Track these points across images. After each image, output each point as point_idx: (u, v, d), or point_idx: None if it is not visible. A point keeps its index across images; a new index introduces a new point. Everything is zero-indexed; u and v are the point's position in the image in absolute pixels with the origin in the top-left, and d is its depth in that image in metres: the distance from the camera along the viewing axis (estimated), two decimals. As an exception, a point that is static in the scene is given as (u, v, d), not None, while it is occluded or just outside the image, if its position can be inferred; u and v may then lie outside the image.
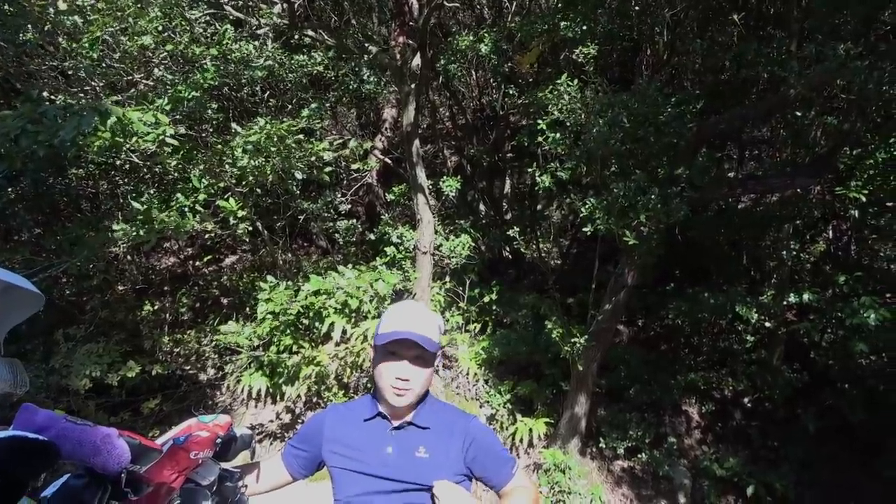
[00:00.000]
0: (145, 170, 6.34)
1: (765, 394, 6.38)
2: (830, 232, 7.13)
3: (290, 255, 7.71)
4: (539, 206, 8.71)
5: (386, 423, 2.01)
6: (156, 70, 5.78)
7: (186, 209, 5.58)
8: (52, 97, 5.25)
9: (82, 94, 5.71)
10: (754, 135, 6.99)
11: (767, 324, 6.29)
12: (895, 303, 5.31)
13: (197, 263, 7.88)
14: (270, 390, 6.18)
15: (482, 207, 8.44)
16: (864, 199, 4.98)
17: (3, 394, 1.72)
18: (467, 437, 2.00)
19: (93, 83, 5.62)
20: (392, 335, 1.91)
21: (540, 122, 5.29)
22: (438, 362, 2.09)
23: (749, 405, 6.50)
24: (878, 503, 5.79)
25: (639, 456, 6.16)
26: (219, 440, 2.04)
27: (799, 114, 5.61)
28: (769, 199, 7.08)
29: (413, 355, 1.94)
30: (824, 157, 5.34)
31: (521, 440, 5.91)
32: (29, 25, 5.01)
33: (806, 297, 6.04)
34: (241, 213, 5.76)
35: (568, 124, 5.13)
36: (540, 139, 5.24)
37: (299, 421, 6.22)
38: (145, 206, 5.51)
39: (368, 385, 5.97)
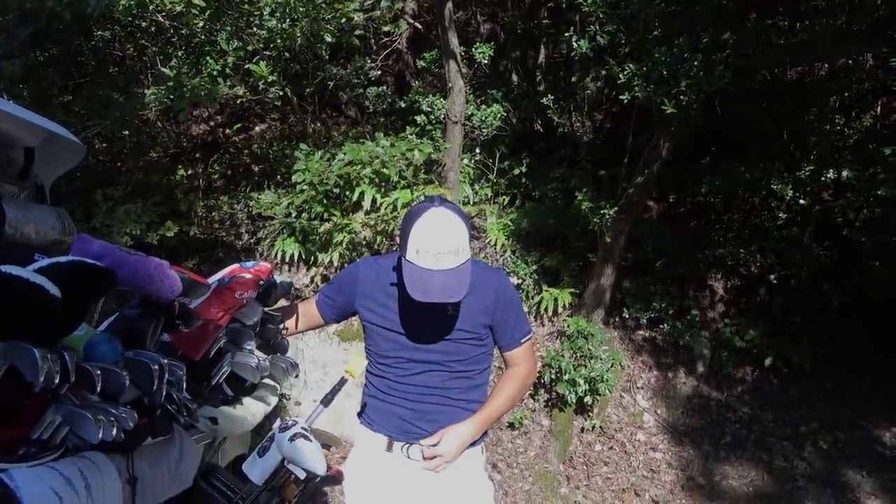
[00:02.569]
0: (172, 31, 6.21)
1: (792, 271, 6.39)
2: (878, 108, 6.83)
3: (319, 124, 7.65)
4: (574, 78, 8.40)
5: None
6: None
7: (217, 73, 5.51)
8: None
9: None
10: (809, 3, 6.54)
11: (802, 201, 6.18)
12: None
13: (227, 131, 7.87)
14: (304, 256, 6.36)
15: (515, 78, 8.18)
16: (919, 69, 4.74)
17: (54, 240, 1.79)
18: (500, 293, 2.08)
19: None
20: (426, 293, 1.92)
21: (580, -18, 5.01)
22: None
23: (775, 282, 6.52)
24: (891, 377, 5.93)
25: (661, 326, 6.30)
26: (261, 282, 2.13)
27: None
28: (818, 71, 6.75)
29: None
30: (882, 25, 5.02)
31: (545, 309, 6.06)
32: None
33: (845, 173, 5.89)
34: (271, 78, 5.67)
35: (610, -16, 4.84)
36: (579, 0, 4.98)
37: (333, 285, 6.41)
38: (174, 72, 5.44)
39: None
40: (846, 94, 6.26)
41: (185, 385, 1.74)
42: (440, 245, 1.91)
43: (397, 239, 6.20)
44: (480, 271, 2.10)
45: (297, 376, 2.56)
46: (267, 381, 2.39)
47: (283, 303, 2.41)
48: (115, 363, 1.54)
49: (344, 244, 5.95)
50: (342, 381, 2.02)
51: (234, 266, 2.18)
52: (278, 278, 2.43)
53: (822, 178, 6.15)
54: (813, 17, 6.21)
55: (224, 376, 2.08)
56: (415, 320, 2.02)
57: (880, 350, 6.02)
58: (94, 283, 1.46)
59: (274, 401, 2.40)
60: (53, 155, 2.14)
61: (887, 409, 5.94)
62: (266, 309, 2.30)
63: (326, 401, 2.08)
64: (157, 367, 1.55)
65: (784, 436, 5.77)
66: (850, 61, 6.31)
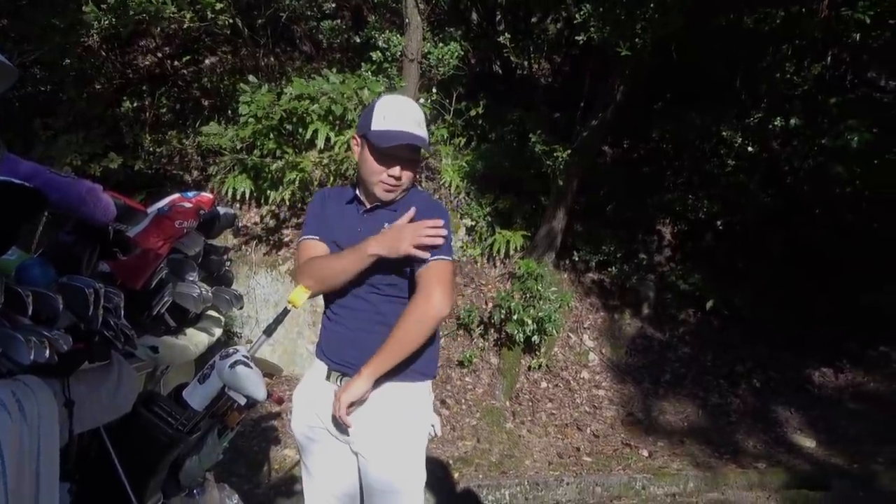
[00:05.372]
0: (114, -48, 5.87)
1: (737, 217, 6.57)
2: (829, 58, 6.94)
3: (272, 58, 7.42)
4: (534, 19, 8.30)
5: (360, 206, 2.08)
6: None
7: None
8: None
9: None
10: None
11: (750, 148, 6.33)
12: (880, 131, 5.32)
13: (175, 63, 7.57)
14: (255, 194, 6.26)
15: (474, 16, 8.03)
16: (868, 20, 4.82)
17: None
18: (426, 211, 2.01)
19: None
20: (394, 138, 1.91)
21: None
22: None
23: (721, 227, 6.71)
24: (827, 321, 6.22)
25: (609, 269, 6.46)
26: (202, 212, 2.11)
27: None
28: (773, 19, 6.80)
29: (408, 157, 1.97)
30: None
31: (498, 251, 6.14)
32: None
33: (793, 121, 6.03)
34: (219, 6, 5.46)
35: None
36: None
37: (284, 226, 6.36)
38: (117, -11, 5.19)
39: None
40: (798, 43, 6.35)
41: (122, 312, 1.73)
42: (405, 110, 1.99)
43: (352, 178, 6.18)
44: (416, 194, 2.12)
45: (241, 308, 2.55)
46: (211, 312, 2.39)
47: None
48: (48, 288, 1.51)
49: (296, 182, 5.87)
50: (285, 312, 2.03)
51: (175, 196, 2.15)
52: (222, 209, 2.41)
53: (771, 126, 6.28)
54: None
55: (165, 306, 2.07)
56: (356, 238, 2.01)
57: (818, 294, 6.29)
58: (23, 203, 1.41)
59: (218, 332, 2.40)
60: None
61: (819, 352, 6.27)
62: (209, 241, 2.29)
63: (269, 330, 2.09)
64: (91, 291, 1.53)
65: (721, 374, 6.06)
66: (803, 9, 6.37)
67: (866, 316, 5.96)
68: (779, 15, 6.66)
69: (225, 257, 2.40)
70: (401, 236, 1.90)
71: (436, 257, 1.90)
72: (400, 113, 1.97)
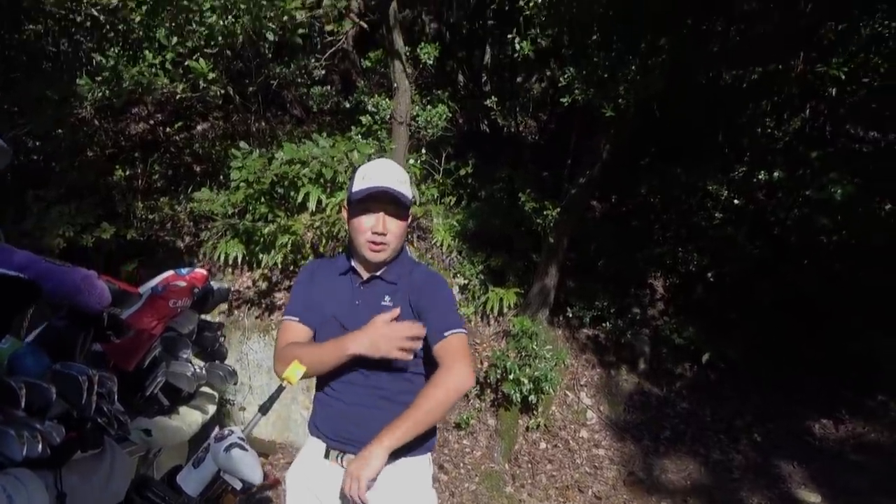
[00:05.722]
0: (108, 27, 6.01)
1: (726, 269, 6.62)
2: (807, 111, 7.13)
3: (263, 123, 7.53)
4: (519, 79, 8.51)
5: (356, 278, 2.07)
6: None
7: (156, 67, 5.38)
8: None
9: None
10: (741, 7, 6.78)
11: (736, 201, 6.42)
12: (862, 182, 5.42)
13: (168, 130, 7.67)
14: (247, 258, 6.26)
15: (461, 78, 8.24)
16: (843, 76, 4.98)
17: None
18: (427, 282, 2.04)
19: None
20: (367, 189, 1.93)
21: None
22: (411, 219, 2.11)
23: (711, 279, 6.74)
24: (819, 370, 6.21)
25: (603, 325, 6.45)
26: (196, 290, 2.11)
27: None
28: (750, 75, 7.01)
29: (388, 209, 1.96)
30: (809, 31, 5.25)
31: (491, 309, 6.13)
32: None
33: (776, 174, 6.14)
34: (211, 76, 5.57)
35: (551, -12, 4.93)
36: (521, 3, 5.04)
37: (276, 288, 6.34)
38: (111, 63, 5.29)
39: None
40: (776, 99, 6.52)
41: (116, 397, 1.71)
42: (384, 170, 2.01)
43: (343, 240, 6.20)
44: (413, 266, 2.13)
45: (236, 384, 2.52)
46: (205, 389, 2.36)
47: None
48: (41, 376, 1.50)
49: (288, 246, 5.88)
50: (280, 389, 2.00)
51: (169, 273, 2.15)
52: (216, 284, 2.41)
53: (755, 179, 6.38)
54: (746, 22, 6.44)
55: (159, 387, 2.05)
56: (355, 313, 1.99)
57: (809, 343, 6.29)
58: (17, 295, 1.42)
59: (212, 409, 2.37)
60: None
61: (815, 401, 6.23)
62: (203, 316, 2.28)
63: (264, 409, 2.06)
64: (85, 378, 1.52)
65: (720, 429, 5.99)
66: (780, 66, 6.57)
67: (860, 363, 5.97)
68: (756, 71, 6.87)
69: (219, 333, 2.38)
70: (381, 336, 1.88)
71: (451, 331, 1.92)
72: (379, 172, 1.99)
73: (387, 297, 2.00)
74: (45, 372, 1.53)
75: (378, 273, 2.05)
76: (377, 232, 1.95)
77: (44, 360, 1.54)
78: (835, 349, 6.06)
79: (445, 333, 1.91)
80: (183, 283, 2.04)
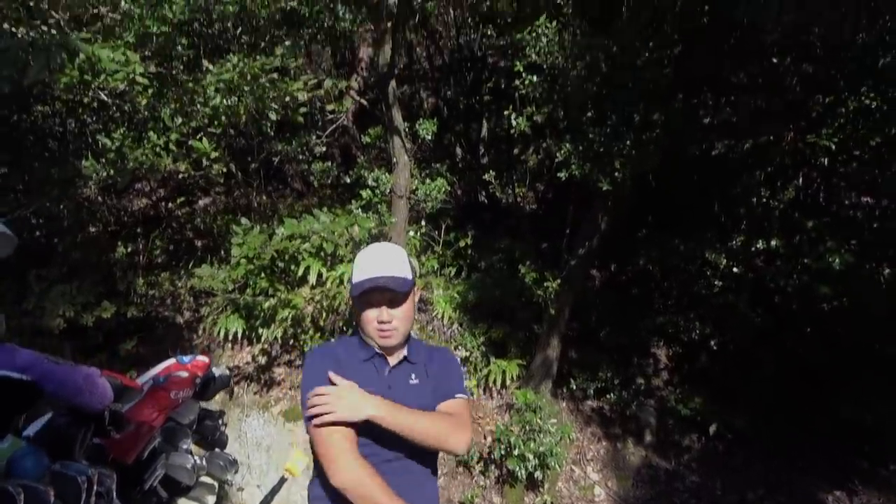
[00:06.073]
0: (114, 108, 6.17)
1: (729, 337, 6.58)
2: (801, 180, 7.23)
3: (264, 197, 7.63)
4: (515, 151, 8.68)
5: (383, 363, 2.05)
6: (122, 2, 5.56)
7: (159, 148, 5.49)
8: (14, 30, 5.04)
9: (45, 28, 5.49)
10: (731, 81, 6.99)
11: (735, 269, 6.42)
12: (859, 249, 5.46)
13: (170, 205, 7.76)
14: (247, 333, 6.22)
15: (458, 151, 8.40)
16: (833, 146, 5.07)
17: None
18: (441, 358, 2.15)
19: (56, 16, 5.40)
20: (362, 285, 1.95)
21: (517, 63, 5.24)
22: (416, 295, 2.11)
23: (715, 348, 6.69)
24: (828, 438, 6.09)
25: (608, 396, 6.36)
26: (198, 380, 2.09)
27: (775, 60, 5.63)
28: (742, 146, 7.14)
29: (388, 299, 1.98)
30: (798, 104, 5.39)
31: (494, 381, 6.06)
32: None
33: (774, 243, 6.17)
34: (214, 155, 5.68)
35: (545, 67, 5.09)
36: (517, 82, 5.20)
37: (276, 363, 6.29)
38: (116, 144, 5.40)
39: (344, 328, 6.03)
40: (769, 168, 6.63)
41: (115, 494, 1.67)
42: (376, 256, 2.01)
43: (344, 313, 6.19)
44: (429, 349, 2.16)
45: (236, 472, 2.46)
46: (204, 479, 2.31)
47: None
48: (40, 478, 1.47)
49: (289, 320, 5.86)
50: (281, 481, 1.95)
51: (171, 362, 2.14)
52: (217, 371, 2.39)
53: (753, 248, 6.41)
54: (736, 95, 6.61)
55: (158, 479, 2.00)
56: (393, 400, 1.95)
57: (816, 412, 6.19)
58: (19, 396, 1.41)
59: (212, 500, 2.31)
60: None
61: (828, 471, 6.08)
62: (204, 405, 2.25)
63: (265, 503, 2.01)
64: (84, 479, 1.50)
65: (733, 502, 5.82)
66: (771, 137, 6.71)
67: (870, 433, 5.86)
68: (748, 142, 7.01)
69: (220, 421, 2.35)
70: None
71: (460, 394, 2.04)
72: (371, 261, 2.00)
73: (413, 376, 2.02)
74: (45, 473, 1.50)
75: (404, 353, 2.07)
76: (382, 321, 1.97)
77: (43, 462, 1.52)
78: (842, 418, 5.95)
79: (456, 395, 2.04)
80: (185, 374, 2.02)
